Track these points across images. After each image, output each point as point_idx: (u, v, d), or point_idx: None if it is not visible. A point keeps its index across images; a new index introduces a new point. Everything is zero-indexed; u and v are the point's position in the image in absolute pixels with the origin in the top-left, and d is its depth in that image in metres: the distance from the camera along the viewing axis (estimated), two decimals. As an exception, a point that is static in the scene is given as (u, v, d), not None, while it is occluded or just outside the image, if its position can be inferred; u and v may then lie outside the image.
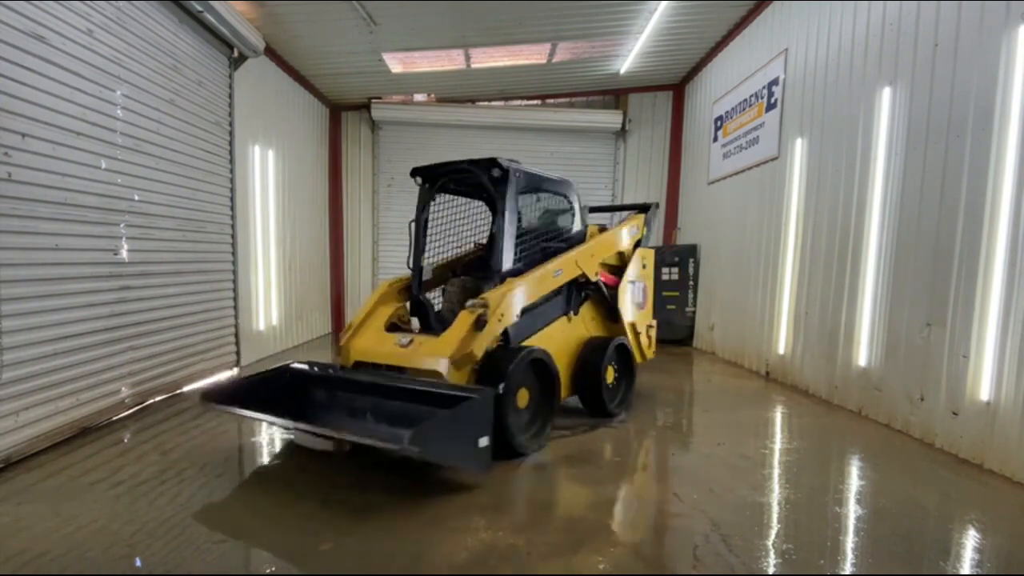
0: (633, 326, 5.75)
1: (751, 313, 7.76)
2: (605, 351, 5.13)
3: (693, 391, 6.96)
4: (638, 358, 5.86)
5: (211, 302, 6.58)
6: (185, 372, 6.06)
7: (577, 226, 5.54)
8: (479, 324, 4.17)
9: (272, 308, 8.43)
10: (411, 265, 5.16)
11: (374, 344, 4.58)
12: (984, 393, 4.08)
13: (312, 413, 4.37)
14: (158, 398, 5.58)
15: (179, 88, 5.89)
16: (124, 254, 5.06)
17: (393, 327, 4.88)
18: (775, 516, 3.32)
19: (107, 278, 4.86)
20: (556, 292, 5.07)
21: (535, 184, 5.10)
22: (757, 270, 7.66)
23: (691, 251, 9.87)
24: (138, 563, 2.68)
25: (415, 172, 5.21)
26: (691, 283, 9.83)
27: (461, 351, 4.07)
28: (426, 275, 5.29)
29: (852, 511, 3.41)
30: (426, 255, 5.34)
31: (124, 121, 5.03)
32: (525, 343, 4.62)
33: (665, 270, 9.83)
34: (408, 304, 5.13)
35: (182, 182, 5.95)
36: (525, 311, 4.62)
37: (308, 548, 2.84)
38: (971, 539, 3.12)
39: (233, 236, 7.04)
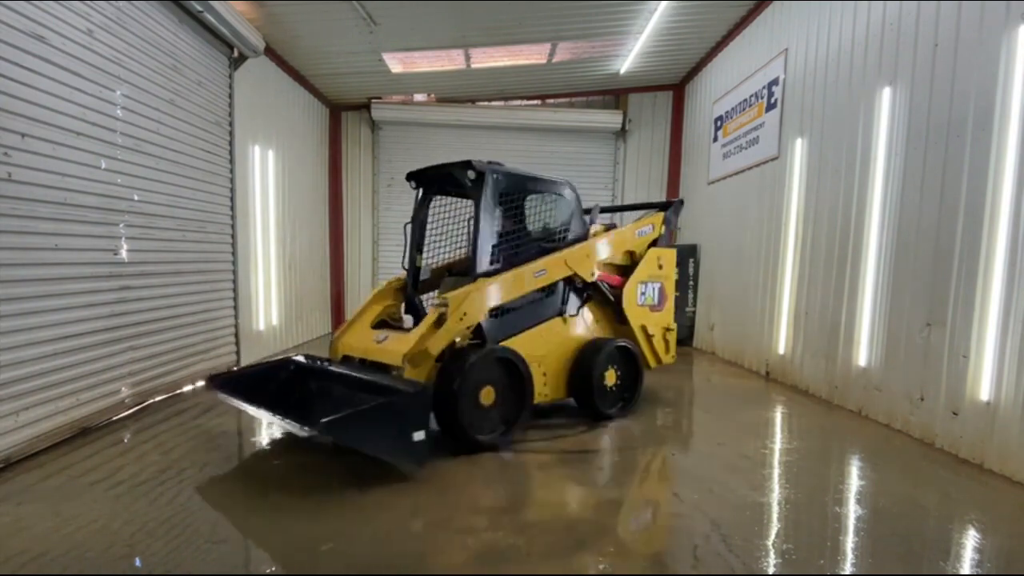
0: (644, 328, 5.61)
1: (751, 313, 7.76)
2: (599, 353, 5.10)
3: (693, 391, 6.95)
4: (650, 362, 5.71)
5: (211, 302, 6.58)
6: (185, 372, 6.06)
7: (575, 226, 5.46)
8: (439, 322, 4.30)
9: (272, 308, 8.43)
10: (404, 266, 5.34)
11: (358, 340, 4.83)
12: (984, 393, 4.08)
13: (307, 402, 4.55)
14: (158, 398, 5.58)
15: (179, 88, 5.89)
16: (124, 254, 5.06)
17: (383, 324, 5.04)
18: (775, 516, 3.32)
19: (107, 278, 4.86)
20: (546, 292, 5.08)
21: (520, 185, 5.10)
22: (757, 270, 7.66)
23: (691, 251, 9.87)
24: (138, 563, 2.68)
25: (409, 176, 5.41)
26: (691, 283, 9.84)
27: (416, 348, 4.22)
28: (425, 275, 5.39)
29: (852, 511, 3.41)
30: (425, 256, 5.39)
31: (124, 121, 5.03)
32: (507, 342, 4.69)
33: (665, 270, 9.82)
34: (404, 303, 5.29)
35: (182, 182, 5.95)
36: (505, 311, 4.74)
37: (308, 548, 2.84)
38: (971, 539, 3.12)
39: (233, 236, 7.04)
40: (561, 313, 5.18)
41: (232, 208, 7.00)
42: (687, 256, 9.83)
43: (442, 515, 3.26)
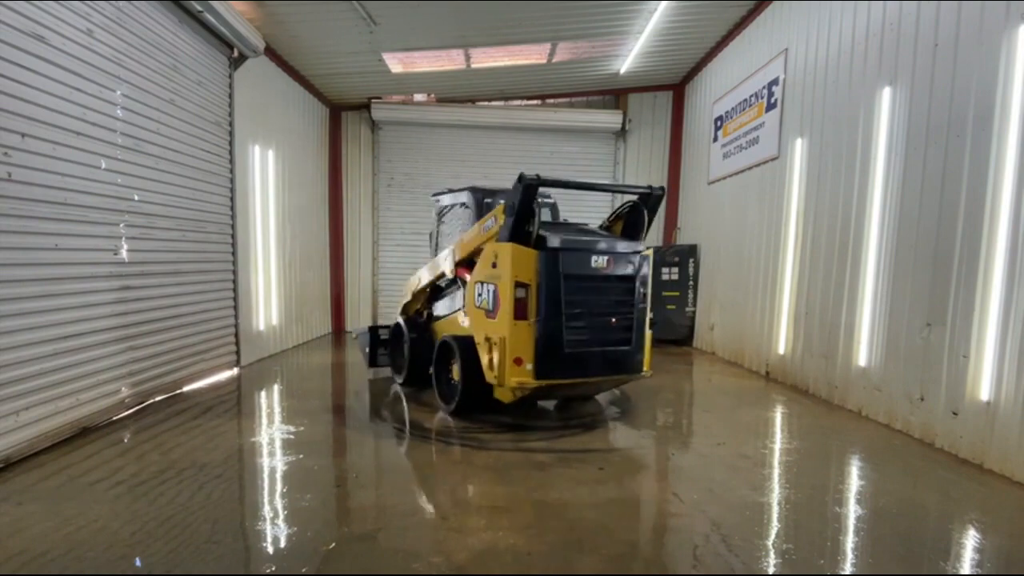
0: (486, 336, 4.81)
1: (751, 313, 7.76)
2: (432, 348, 5.70)
3: (693, 391, 6.96)
4: (486, 375, 4.83)
5: (211, 302, 6.58)
6: (185, 372, 6.06)
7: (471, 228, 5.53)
8: None
9: (272, 308, 8.42)
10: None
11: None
12: (984, 393, 4.08)
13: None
14: (158, 398, 5.58)
15: (179, 88, 5.89)
16: (124, 254, 5.06)
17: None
18: (775, 516, 3.32)
19: (107, 278, 4.86)
20: (453, 286, 5.86)
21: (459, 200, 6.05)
22: (757, 270, 7.66)
23: (691, 251, 9.88)
24: (138, 563, 2.68)
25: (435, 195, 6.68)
26: (691, 283, 9.84)
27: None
28: None
29: (852, 511, 3.41)
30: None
31: (124, 121, 5.03)
32: (438, 324, 6.16)
33: (665, 270, 9.83)
34: None
35: (182, 182, 5.95)
36: (433, 299, 6.39)
37: (310, 548, 2.84)
38: (971, 539, 3.12)
39: (233, 236, 7.04)
40: (463, 307, 5.42)
41: (232, 208, 7.00)
42: (687, 256, 9.84)
43: (442, 515, 3.26)
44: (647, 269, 4.99)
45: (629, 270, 4.88)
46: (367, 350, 6.93)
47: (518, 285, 4.58)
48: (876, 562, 2.81)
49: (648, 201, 5.09)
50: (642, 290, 4.95)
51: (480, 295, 4.98)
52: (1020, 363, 3.81)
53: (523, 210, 4.60)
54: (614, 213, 5.42)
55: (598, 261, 4.74)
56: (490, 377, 4.79)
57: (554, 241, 4.63)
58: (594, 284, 4.75)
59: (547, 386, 4.70)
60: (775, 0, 7.31)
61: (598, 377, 4.87)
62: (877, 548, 2.94)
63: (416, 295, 6.52)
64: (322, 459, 4.19)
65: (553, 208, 6.14)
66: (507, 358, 4.60)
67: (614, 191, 5.98)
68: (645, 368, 5.11)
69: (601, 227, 5.46)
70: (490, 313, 4.83)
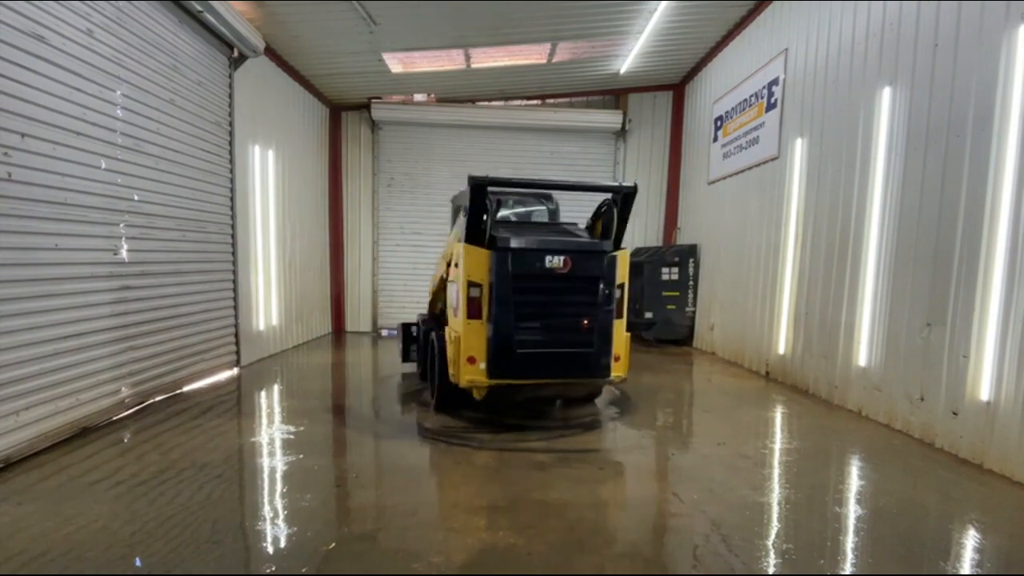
0: (450, 334, 4.97)
1: (751, 313, 7.76)
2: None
3: (693, 391, 6.95)
4: (451, 374, 4.92)
5: (211, 302, 6.58)
6: (185, 372, 6.06)
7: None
8: None
9: (272, 308, 8.42)
10: None
11: None
12: (984, 393, 4.08)
13: None
14: (158, 398, 5.58)
15: (179, 88, 5.89)
16: (124, 254, 5.06)
17: None
18: (775, 516, 3.32)
19: (107, 278, 4.86)
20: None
21: None
22: (757, 270, 7.66)
23: (691, 251, 9.87)
24: (138, 563, 2.68)
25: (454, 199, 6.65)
26: (691, 283, 9.83)
27: None
28: None
29: (852, 511, 3.41)
30: None
31: (124, 121, 5.03)
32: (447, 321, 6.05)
33: (665, 270, 9.83)
34: None
35: (182, 182, 5.95)
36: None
37: (310, 548, 2.84)
38: (971, 539, 3.12)
39: (233, 236, 7.04)
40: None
41: (232, 208, 7.00)
42: (687, 256, 9.83)
43: (441, 515, 3.26)
44: (615, 270, 4.80)
45: (591, 271, 4.73)
46: (401, 346, 7.11)
47: (471, 285, 4.66)
48: (876, 562, 2.81)
49: (619, 200, 4.92)
50: (606, 291, 4.76)
51: (450, 294, 5.12)
52: (1020, 363, 3.81)
53: (475, 210, 4.64)
54: (594, 213, 5.31)
55: (553, 261, 4.66)
56: (451, 374, 4.87)
57: (505, 241, 4.61)
58: (549, 284, 4.68)
59: (505, 385, 4.70)
60: (775, 0, 7.31)
61: (556, 379, 4.79)
62: (877, 548, 2.94)
63: (435, 293, 6.54)
64: (322, 459, 4.19)
65: (553, 211, 6.13)
66: (461, 356, 4.67)
67: (579, 189, 5.75)
68: (616, 373, 4.90)
69: (586, 227, 5.40)
70: (454, 311, 4.93)
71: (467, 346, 4.66)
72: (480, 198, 4.60)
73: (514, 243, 4.62)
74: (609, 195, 5.02)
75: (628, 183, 4.84)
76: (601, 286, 4.76)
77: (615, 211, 4.91)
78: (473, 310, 4.66)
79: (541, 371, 4.71)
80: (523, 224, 5.91)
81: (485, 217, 4.65)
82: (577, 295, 4.73)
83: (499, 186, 4.72)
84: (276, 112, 8.49)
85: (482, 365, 4.65)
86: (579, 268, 4.70)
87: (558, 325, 4.71)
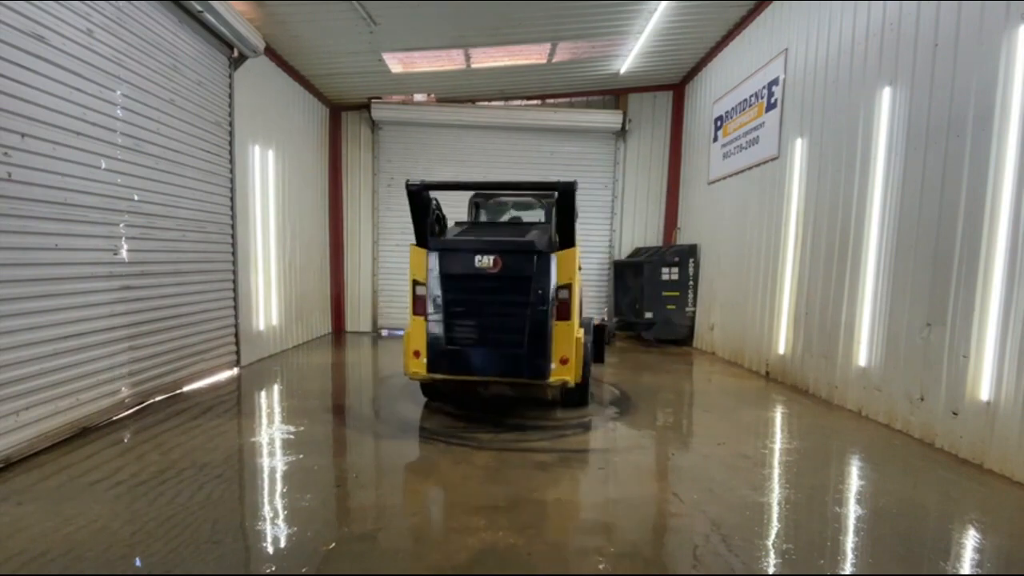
0: None
1: (751, 313, 7.76)
2: None
3: (693, 391, 6.95)
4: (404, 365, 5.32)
5: (211, 302, 6.58)
6: (185, 372, 6.06)
7: None
8: None
9: (272, 308, 8.43)
10: None
11: None
12: (984, 393, 4.08)
13: None
14: (158, 398, 5.58)
15: (179, 88, 5.89)
16: (124, 254, 5.06)
17: None
18: (775, 516, 3.32)
19: (107, 278, 4.86)
20: None
21: None
22: (757, 270, 7.66)
23: (691, 251, 9.88)
24: (138, 563, 2.68)
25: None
26: (691, 283, 9.84)
27: None
28: None
29: (852, 511, 3.41)
30: None
31: (124, 121, 5.03)
32: None
33: (665, 270, 9.83)
34: None
35: (182, 182, 5.95)
36: None
37: (310, 548, 2.84)
38: (971, 539, 3.12)
39: (233, 236, 7.04)
40: None
41: (232, 208, 7.00)
42: (687, 256, 9.84)
43: (441, 515, 3.26)
44: (550, 269, 4.73)
45: (521, 270, 4.73)
46: None
47: (416, 284, 5.03)
48: (876, 562, 2.81)
49: (558, 198, 4.87)
50: (539, 291, 4.70)
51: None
52: (1020, 363, 3.81)
53: (415, 213, 4.93)
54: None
55: (483, 261, 4.75)
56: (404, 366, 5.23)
57: (437, 243, 4.85)
58: (479, 284, 4.77)
59: (443, 380, 4.96)
60: (775, 0, 7.31)
61: (488, 377, 4.86)
62: (877, 548, 2.94)
63: None
64: (322, 459, 4.19)
65: (548, 212, 6.17)
66: (408, 350, 5.09)
67: (516, 189, 5.59)
68: (561, 376, 4.85)
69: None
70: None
71: (413, 341, 5.05)
72: (417, 202, 4.88)
73: (445, 244, 4.86)
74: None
75: (564, 181, 4.72)
76: (533, 286, 4.72)
77: (553, 210, 4.93)
78: (418, 307, 5.02)
79: (474, 369, 4.84)
80: (480, 225, 5.94)
81: (425, 220, 4.93)
82: (508, 295, 4.75)
83: (434, 190, 4.99)
84: (276, 112, 8.50)
85: (424, 359, 4.93)
86: (509, 268, 4.74)
87: (489, 324, 4.81)
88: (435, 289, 4.81)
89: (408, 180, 4.80)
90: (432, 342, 4.84)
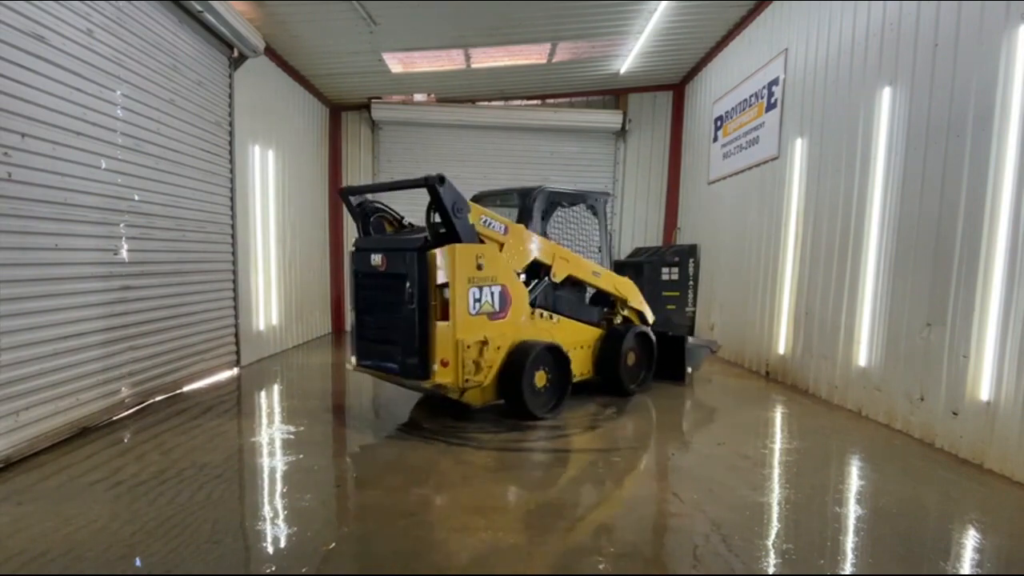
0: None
1: (751, 313, 7.76)
2: None
3: (693, 391, 6.95)
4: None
5: (211, 302, 6.58)
6: (185, 372, 6.06)
7: None
8: None
9: (272, 308, 8.42)
10: None
11: None
12: (984, 393, 4.08)
13: None
14: (158, 398, 5.58)
15: (179, 88, 5.89)
16: (124, 254, 5.06)
17: None
18: (775, 516, 3.32)
19: (107, 278, 4.86)
20: None
21: None
22: (757, 270, 7.66)
23: (691, 251, 9.86)
24: (138, 563, 2.68)
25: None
26: (691, 283, 9.82)
27: None
28: None
29: (852, 511, 3.41)
30: None
31: (124, 121, 5.03)
32: None
33: (665, 270, 9.81)
34: None
35: (182, 182, 5.95)
36: None
37: (310, 548, 2.84)
38: (971, 539, 3.12)
39: (233, 236, 7.04)
40: None
41: (232, 208, 7.00)
42: (687, 256, 9.82)
43: (441, 515, 3.26)
44: (427, 267, 4.53)
45: (400, 268, 4.66)
46: None
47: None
48: (876, 562, 2.81)
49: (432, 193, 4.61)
50: (411, 289, 4.53)
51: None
52: (1020, 363, 3.81)
53: (353, 215, 5.31)
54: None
55: (375, 260, 4.87)
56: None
57: (354, 243, 5.21)
58: (374, 282, 4.96)
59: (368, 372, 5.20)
60: (775, 0, 7.31)
61: (385, 373, 5.00)
62: (877, 548, 2.94)
63: None
64: (322, 459, 4.19)
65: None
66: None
67: (388, 189, 5.33)
68: (442, 379, 4.55)
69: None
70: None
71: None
72: (349, 205, 5.28)
73: (355, 244, 5.19)
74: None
75: (434, 175, 4.53)
76: (407, 284, 4.59)
77: (430, 206, 4.71)
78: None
79: (375, 364, 5.04)
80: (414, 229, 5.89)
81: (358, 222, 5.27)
82: (389, 293, 4.79)
83: (356, 194, 5.30)
84: (276, 112, 8.49)
85: None
86: (391, 266, 4.79)
87: (375, 322, 5.01)
88: (350, 286, 5.23)
89: (340, 188, 5.35)
90: (350, 335, 5.32)
